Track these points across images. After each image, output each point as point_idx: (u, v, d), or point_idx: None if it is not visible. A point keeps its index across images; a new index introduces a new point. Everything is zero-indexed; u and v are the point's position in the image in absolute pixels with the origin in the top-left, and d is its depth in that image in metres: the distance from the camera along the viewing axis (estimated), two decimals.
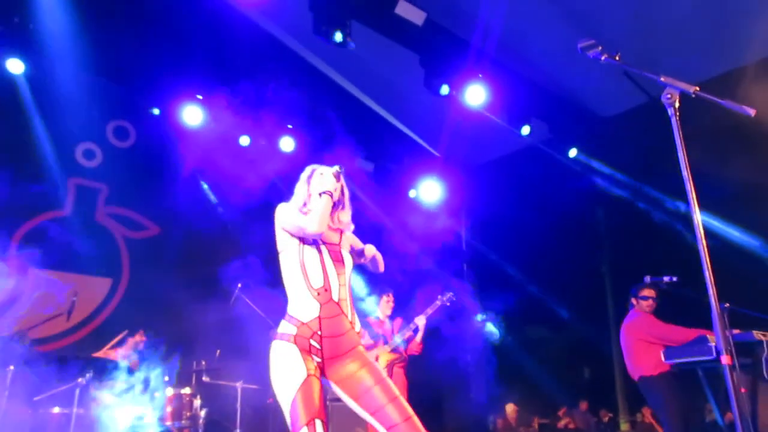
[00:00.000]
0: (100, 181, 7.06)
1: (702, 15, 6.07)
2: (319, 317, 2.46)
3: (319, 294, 2.48)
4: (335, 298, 2.50)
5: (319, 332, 2.45)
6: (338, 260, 2.58)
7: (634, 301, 4.98)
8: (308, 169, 2.81)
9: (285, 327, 2.48)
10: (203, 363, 5.50)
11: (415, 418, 2.39)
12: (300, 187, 2.77)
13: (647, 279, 4.98)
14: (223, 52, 6.57)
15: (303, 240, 2.56)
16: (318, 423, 2.29)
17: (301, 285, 2.50)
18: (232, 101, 6.80)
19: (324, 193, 2.63)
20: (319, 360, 2.45)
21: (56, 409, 4.77)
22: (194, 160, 7.12)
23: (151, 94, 7.06)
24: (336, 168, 2.72)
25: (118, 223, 7.07)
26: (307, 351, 2.42)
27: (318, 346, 2.44)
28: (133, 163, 7.15)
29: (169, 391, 5.12)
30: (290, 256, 2.56)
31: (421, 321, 5.44)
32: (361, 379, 2.45)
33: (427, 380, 7.52)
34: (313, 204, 2.66)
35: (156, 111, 7.14)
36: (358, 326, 2.60)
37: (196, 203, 7.29)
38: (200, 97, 7.08)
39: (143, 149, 7.32)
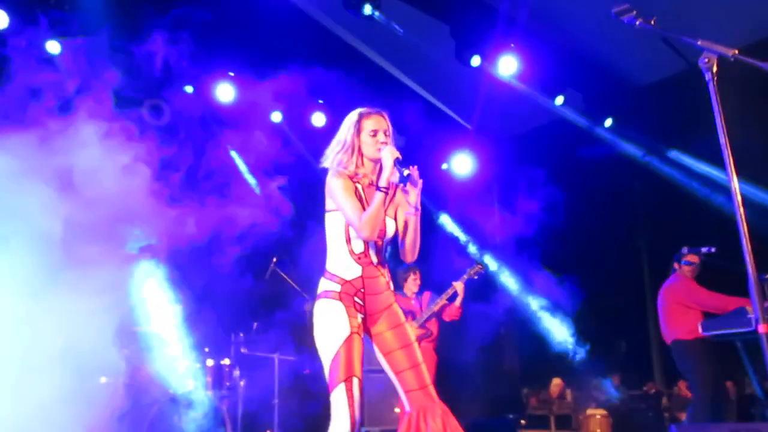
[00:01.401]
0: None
1: None
2: (362, 276, 2.57)
3: (360, 258, 2.59)
4: (374, 262, 2.61)
5: (362, 290, 2.57)
6: (381, 227, 2.63)
7: (676, 265, 4.95)
8: (354, 114, 2.69)
9: (328, 285, 2.58)
10: (241, 335, 5.65)
11: (431, 388, 2.52)
12: (347, 134, 2.66)
13: (685, 250, 4.94)
14: (253, 28, 6.60)
15: None
16: (355, 381, 2.40)
17: (343, 248, 2.59)
18: (263, 77, 6.84)
19: (382, 189, 2.52)
20: (362, 316, 2.57)
21: (103, 379, 4.97)
22: (228, 137, 7.20)
23: (184, 72, 7.14)
24: (396, 154, 2.56)
25: (156, 200, 7.22)
26: (351, 307, 2.53)
27: (361, 303, 2.57)
28: (168, 141, 7.25)
29: (210, 362, 5.28)
30: (336, 220, 2.62)
31: (459, 286, 5.42)
32: (390, 340, 2.59)
33: (458, 354, 7.58)
34: (366, 172, 2.65)
35: (189, 89, 7.23)
36: (392, 285, 2.72)
37: (231, 179, 7.40)
38: (232, 74, 7.14)
39: (178, 126, 7.43)
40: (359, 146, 2.65)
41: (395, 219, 2.72)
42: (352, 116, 2.69)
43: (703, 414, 4.56)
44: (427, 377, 2.53)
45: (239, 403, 5.48)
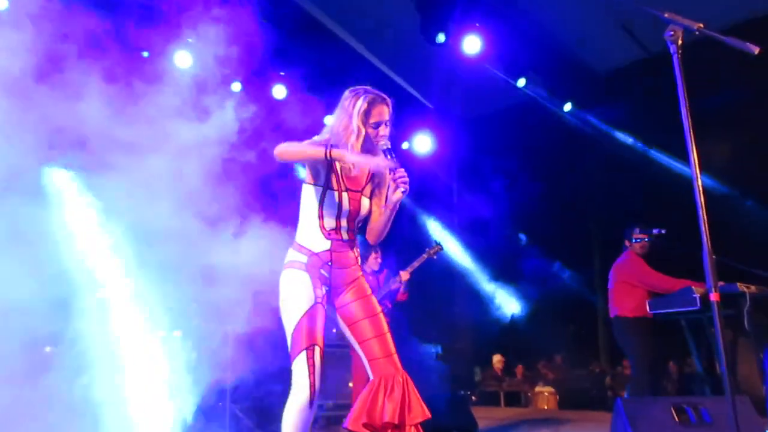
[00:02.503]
0: None
1: None
2: (331, 250, 2.54)
3: (330, 234, 2.55)
4: (344, 237, 2.58)
5: (329, 263, 2.54)
6: (356, 208, 2.58)
7: (627, 243, 5.06)
8: (362, 101, 2.52)
9: (295, 255, 2.54)
10: (194, 305, 5.53)
11: (396, 356, 2.52)
12: (355, 120, 2.51)
13: (636, 230, 5.07)
14: None
15: (327, 184, 2.53)
16: (317, 349, 2.43)
17: (315, 223, 2.54)
18: (223, 47, 6.64)
19: (327, 153, 2.39)
20: (327, 288, 2.56)
21: (48, 349, 4.82)
22: (186, 104, 6.98)
23: (141, 36, 6.87)
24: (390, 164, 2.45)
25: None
26: (317, 278, 2.51)
27: (327, 275, 2.54)
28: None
29: (161, 333, 5.17)
30: (311, 194, 2.56)
31: (405, 276, 5.55)
32: (355, 310, 2.58)
33: (412, 332, 7.65)
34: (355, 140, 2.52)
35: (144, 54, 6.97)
36: (360, 260, 2.70)
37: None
38: (191, 40, 6.91)
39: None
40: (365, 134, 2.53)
41: (371, 199, 2.65)
42: (360, 102, 2.52)
43: (641, 390, 4.73)
44: (392, 346, 2.54)
45: (191, 377, 5.38)
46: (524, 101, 8.03)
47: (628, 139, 7.92)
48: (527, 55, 7.27)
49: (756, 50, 1.75)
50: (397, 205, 2.57)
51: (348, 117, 2.53)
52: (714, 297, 1.74)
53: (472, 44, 6.66)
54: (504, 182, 8.47)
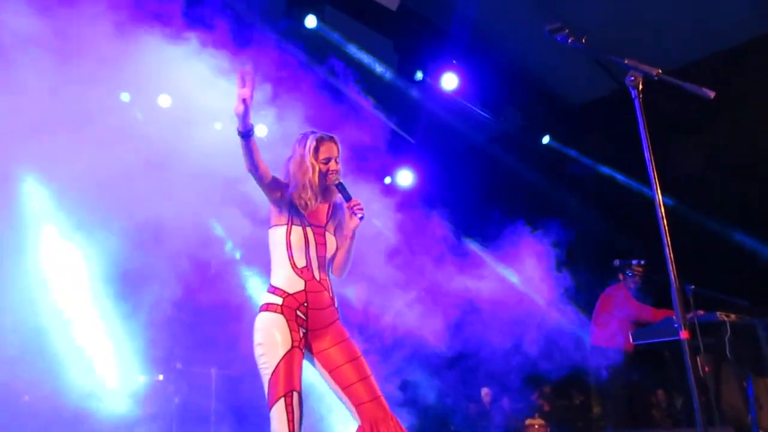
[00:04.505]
0: None
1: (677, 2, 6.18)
2: (305, 291, 2.56)
3: (302, 272, 2.58)
4: (317, 277, 2.61)
5: (305, 303, 2.55)
6: (321, 243, 2.66)
7: (621, 275, 5.17)
8: (311, 139, 2.69)
9: (270, 298, 2.57)
10: (176, 349, 5.46)
11: (383, 399, 2.53)
12: (307, 158, 2.65)
13: (616, 262, 5.16)
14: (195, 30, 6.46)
15: (291, 221, 2.62)
16: (295, 395, 2.40)
17: (285, 262, 2.58)
18: (201, 84, 6.69)
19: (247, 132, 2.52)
20: (305, 330, 2.56)
21: (26, 398, 4.70)
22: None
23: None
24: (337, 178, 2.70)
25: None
26: (293, 321, 2.51)
27: (304, 317, 2.55)
28: None
29: (142, 378, 5.08)
30: (278, 234, 2.63)
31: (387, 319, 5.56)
32: (335, 355, 2.58)
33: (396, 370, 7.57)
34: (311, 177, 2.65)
35: None
36: (336, 301, 2.73)
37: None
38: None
39: None
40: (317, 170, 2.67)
41: (335, 237, 2.75)
42: (309, 141, 2.68)
43: (617, 422, 4.79)
44: (378, 389, 2.54)
45: (173, 423, 5.27)
46: (505, 134, 8.14)
47: (607, 170, 8.02)
48: (504, 90, 7.40)
49: (712, 95, 1.82)
50: (355, 234, 2.70)
51: (301, 156, 2.67)
52: (684, 335, 1.76)
53: (449, 81, 6.78)
54: (487, 214, 8.52)
